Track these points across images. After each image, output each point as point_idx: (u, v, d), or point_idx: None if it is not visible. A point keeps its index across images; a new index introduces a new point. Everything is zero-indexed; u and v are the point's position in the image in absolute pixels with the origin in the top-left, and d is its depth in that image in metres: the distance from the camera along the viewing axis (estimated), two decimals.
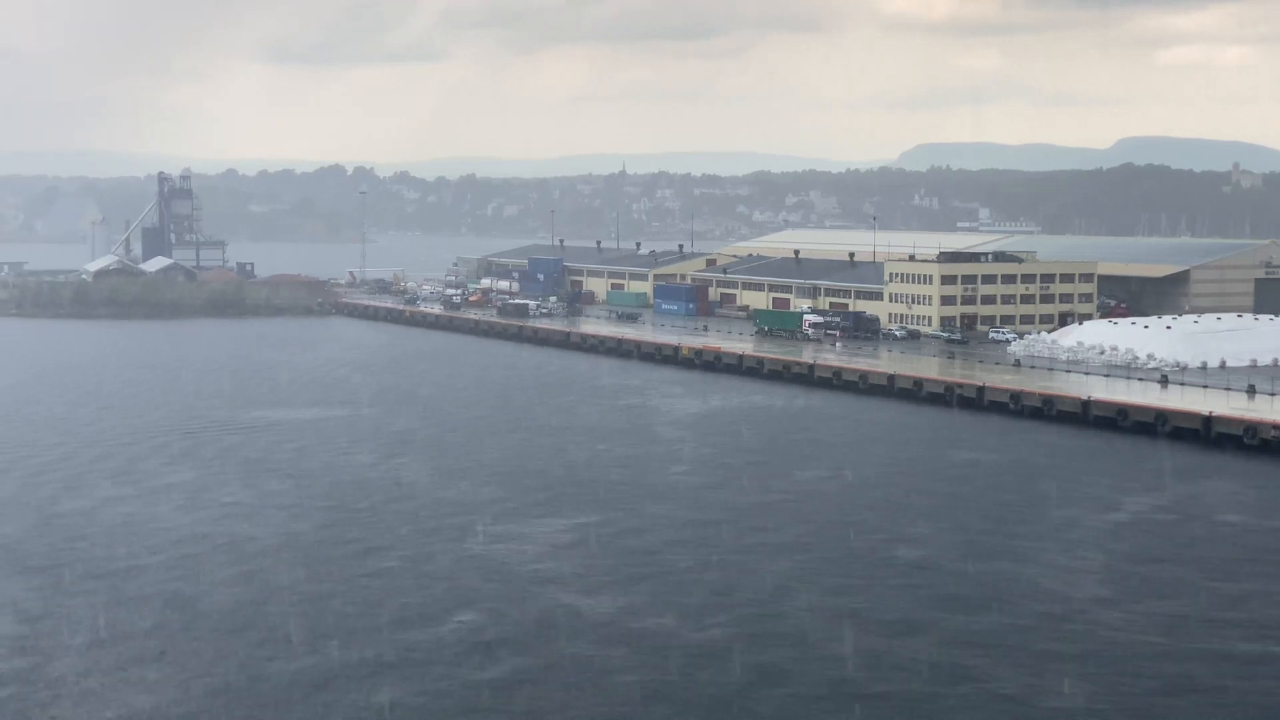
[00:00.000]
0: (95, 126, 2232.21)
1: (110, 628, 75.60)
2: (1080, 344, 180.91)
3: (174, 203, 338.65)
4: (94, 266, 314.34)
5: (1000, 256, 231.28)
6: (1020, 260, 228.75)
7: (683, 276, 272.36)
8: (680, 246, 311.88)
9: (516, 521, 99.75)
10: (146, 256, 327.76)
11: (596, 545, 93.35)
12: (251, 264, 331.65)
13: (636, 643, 73.31)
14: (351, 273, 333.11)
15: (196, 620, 76.96)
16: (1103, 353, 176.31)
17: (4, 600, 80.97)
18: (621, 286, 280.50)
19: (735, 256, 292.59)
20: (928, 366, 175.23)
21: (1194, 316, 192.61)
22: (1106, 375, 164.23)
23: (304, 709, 64.36)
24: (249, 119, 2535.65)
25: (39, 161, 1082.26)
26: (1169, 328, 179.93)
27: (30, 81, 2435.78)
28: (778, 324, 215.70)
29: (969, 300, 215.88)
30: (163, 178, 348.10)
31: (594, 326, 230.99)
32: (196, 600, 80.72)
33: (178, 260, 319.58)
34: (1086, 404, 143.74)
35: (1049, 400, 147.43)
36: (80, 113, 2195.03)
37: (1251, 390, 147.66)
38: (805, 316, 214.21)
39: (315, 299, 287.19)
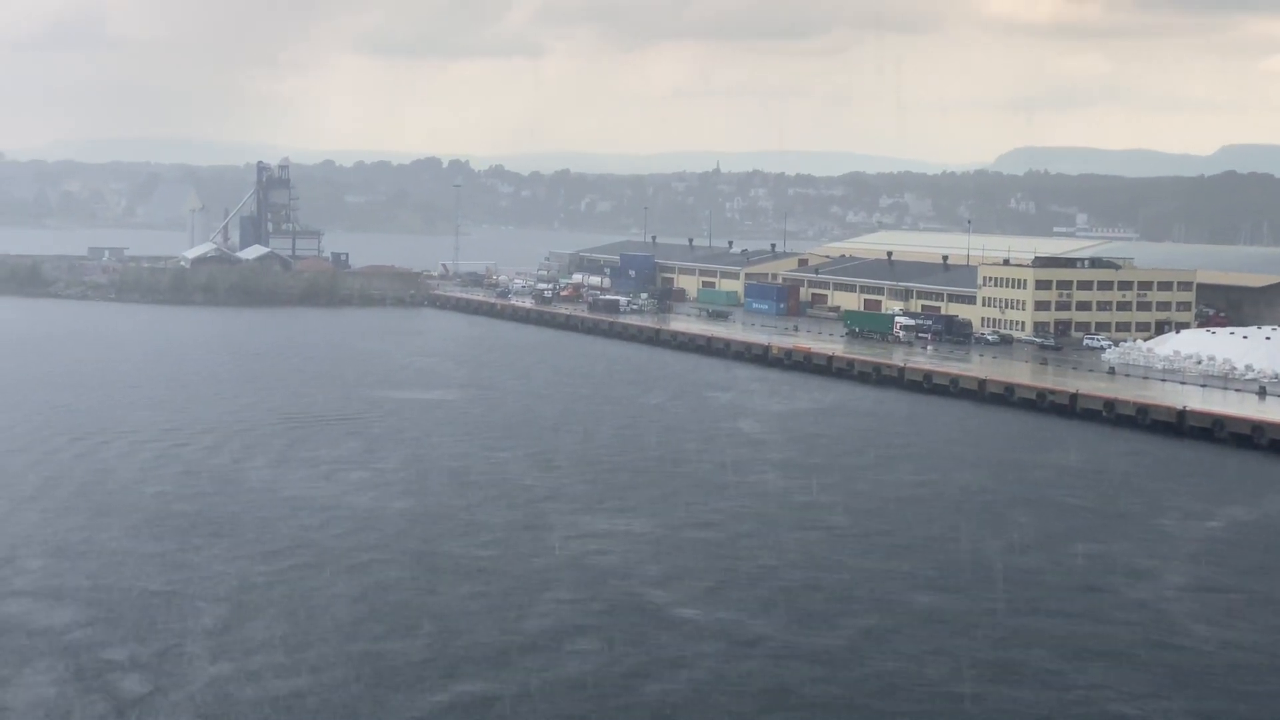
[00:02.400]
0: (198, 116, 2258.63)
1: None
2: (1177, 353, 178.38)
3: (272, 192, 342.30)
4: (192, 254, 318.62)
5: (1097, 262, 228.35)
6: (1117, 267, 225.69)
7: (774, 276, 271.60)
8: (772, 246, 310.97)
9: (601, 515, 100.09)
10: (244, 245, 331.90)
11: (681, 539, 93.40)
12: (346, 254, 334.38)
13: (718, 639, 73.32)
14: (444, 265, 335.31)
15: (318, 599, 78.85)
16: (1200, 362, 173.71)
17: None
18: (713, 284, 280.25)
19: (827, 257, 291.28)
20: (1020, 372, 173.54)
21: None
22: (1203, 385, 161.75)
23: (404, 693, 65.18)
24: (348, 110, 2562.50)
25: (142, 149, 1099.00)
26: (1268, 338, 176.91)
27: (137, 71, 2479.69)
28: (868, 325, 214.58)
29: (1064, 306, 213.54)
30: (261, 167, 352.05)
31: (684, 324, 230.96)
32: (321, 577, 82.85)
33: (274, 249, 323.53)
34: (1182, 414, 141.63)
35: (1143, 409, 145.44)
36: (184, 102, 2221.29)
37: None
38: (896, 318, 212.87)
39: (408, 290, 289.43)
